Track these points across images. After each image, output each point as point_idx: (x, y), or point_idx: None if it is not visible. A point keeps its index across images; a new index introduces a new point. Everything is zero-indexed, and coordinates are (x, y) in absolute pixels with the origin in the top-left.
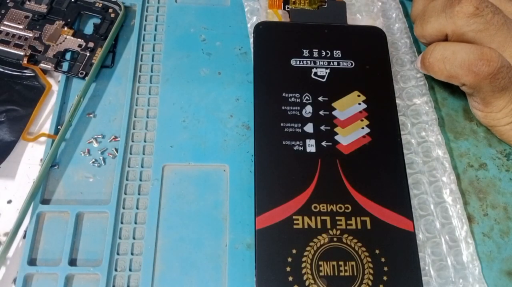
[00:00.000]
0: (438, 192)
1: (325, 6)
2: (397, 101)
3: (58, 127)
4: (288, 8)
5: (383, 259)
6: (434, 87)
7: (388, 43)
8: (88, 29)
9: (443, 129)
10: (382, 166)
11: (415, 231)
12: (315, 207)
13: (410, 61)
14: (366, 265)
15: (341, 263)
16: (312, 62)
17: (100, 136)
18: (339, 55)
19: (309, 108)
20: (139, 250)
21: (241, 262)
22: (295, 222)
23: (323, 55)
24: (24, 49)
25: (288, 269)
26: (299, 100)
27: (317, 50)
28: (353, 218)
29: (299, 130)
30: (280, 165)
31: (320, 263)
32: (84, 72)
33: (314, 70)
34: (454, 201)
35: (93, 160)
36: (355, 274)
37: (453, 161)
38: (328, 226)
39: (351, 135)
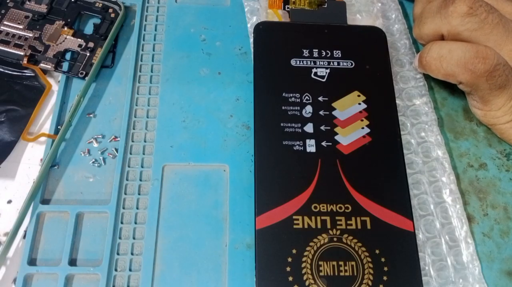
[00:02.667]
0: (438, 192)
1: (325, 6)
2: (397, 101)
3: (58, 127)
4: (288, 8)
5: (383, 259)
6: (434, 88)
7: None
8: (88, 29)
9: (443, 129)
10: (382, 166)
11: (415, 231)
12: (315, 207)
13: (409, 62)
14: (366, 265)
15: (341, 263)
16: (312, 62)
17: (100, 136)
18: (339, 55)
19: (309, 108)
20: (139, 250)
21: (241, 262)
22: (295, 222)
23: (323, 55)
24: (24, 49)
25: (288, 269)
26: (299, 100)
27: (317, 50)
28: (353, 218)
29: (299, 130)
30: (280, 165)
31: (320, 263)
32: (84, 72)
33: (314, 70)
34: (454, 201)
35: (93, 160)
36: (355, 274)
37: (453, 161)
38: (328, 226)
39: (351, 135)
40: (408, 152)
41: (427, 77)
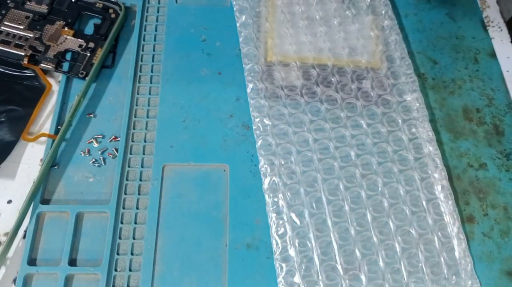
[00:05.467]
0: (430, 188)
1: None
2: (388, 97)
3: (58, 127)
4: None
5: None
6: (434, 87)
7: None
8: (89, 29)
9: (443, 129)
10: None
11: None
12: None
13: (399, 57)
14: None
15: None
16: None
17: (100, 136)
18: None
19: None
20: (139, 250)
21: (241, 262)
22: None
23: None
24: (25, 49)
25: None
26: None
27: None
28: None
29: None
30: None
31: None
32: (85, 73)
33: None
34: (446, 197)
35: (93, 160)
36: None
37: (453, 160)
38: None
39: None
40: (399, 149)
41: (425, 76)
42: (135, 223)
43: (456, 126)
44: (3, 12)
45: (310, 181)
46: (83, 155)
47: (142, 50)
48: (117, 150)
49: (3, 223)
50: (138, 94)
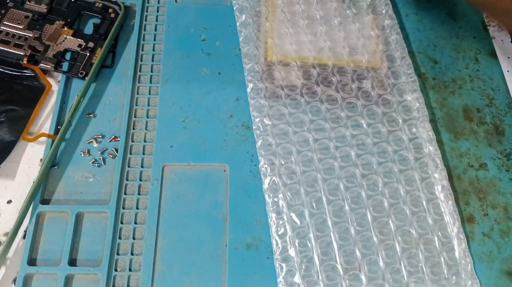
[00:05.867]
0: (430, 188)
1: None
2: (388, 97)
3: (58, 127)
4: None
5: None
6: (434, 87)
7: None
8: (88, 29)
9: (443, 129)
10: None
11: None
12: None
13: (400, 57)
14: None
15: None
16: None
17: (100, 136)
18: None
19: None
20: (139, 250)
21: (241, 262)
22: None
23: None
24: (24, 49)
25: None
26: None
27: None
28: None
29: None
30: None
31: None
32: (84, 72)
33: None
34: (446, 197)
35: (93, 160)
36: None
37: (453, 161)
38: None
39: None
40: (399, 148)
41: (426, 76)
42: (135, 223)
43: (456, 126)
44: (3, 11)
45: (310, 181)
46: (83, 155)
47: (142, 50)
48: (117, 150)
49: (3, 223)
50: (137, 94)
